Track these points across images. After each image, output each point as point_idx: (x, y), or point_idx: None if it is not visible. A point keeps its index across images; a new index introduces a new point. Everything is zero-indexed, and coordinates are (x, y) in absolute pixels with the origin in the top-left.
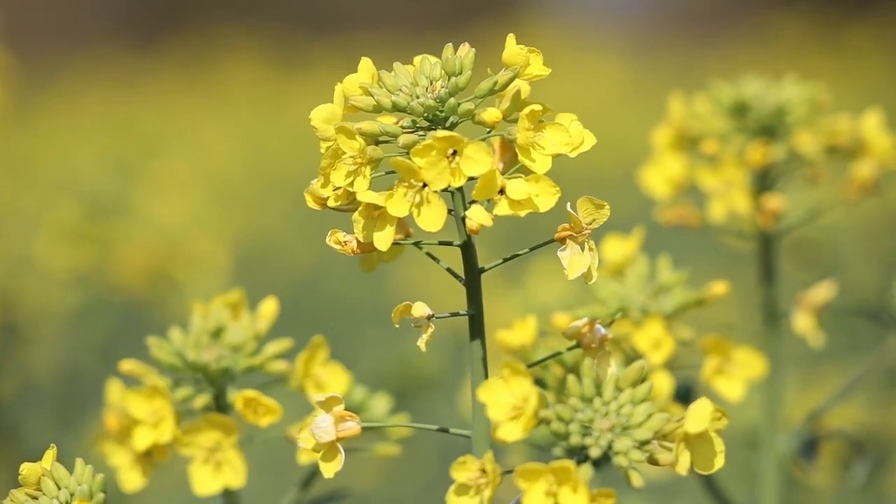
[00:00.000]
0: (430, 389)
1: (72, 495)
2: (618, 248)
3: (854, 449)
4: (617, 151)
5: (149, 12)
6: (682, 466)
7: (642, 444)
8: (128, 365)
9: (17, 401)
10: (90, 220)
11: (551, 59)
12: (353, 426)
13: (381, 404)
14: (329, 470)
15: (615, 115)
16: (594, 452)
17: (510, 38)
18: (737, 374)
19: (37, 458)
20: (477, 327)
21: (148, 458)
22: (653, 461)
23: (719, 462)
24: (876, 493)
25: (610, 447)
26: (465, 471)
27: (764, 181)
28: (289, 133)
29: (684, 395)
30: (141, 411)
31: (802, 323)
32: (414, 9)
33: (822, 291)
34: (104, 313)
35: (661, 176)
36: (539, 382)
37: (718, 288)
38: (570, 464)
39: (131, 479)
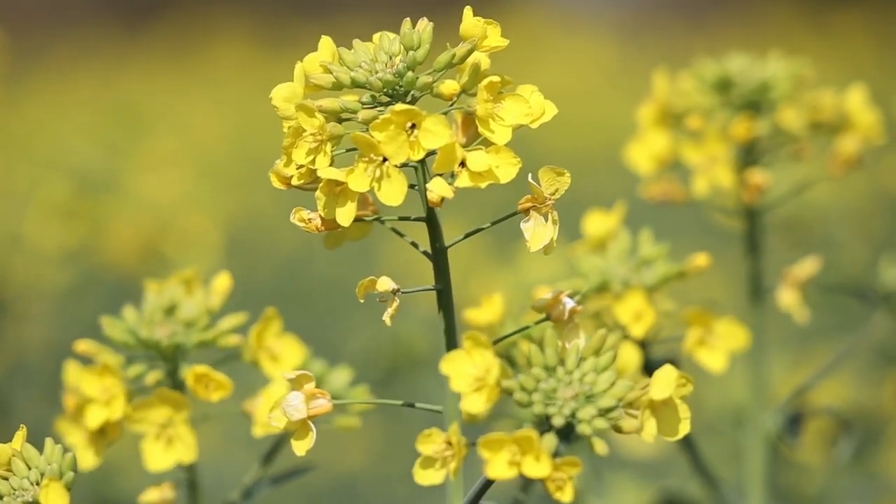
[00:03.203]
0: (420, 368)
1: (42, 475)
2: (600, 222)
3: (840, 426)
4: (605, 133)
5: None
6: (648, 433)
7: (606, 412)
8: (83, 345)
9: (8, 378)
10: (80, 198)
11: (539, 41)
12: (323, 403)
13: (340, 377)
14: (301, 448)
15: (603, 97)
16: (557, 421)
17: (467, 10)
18: (719, 346)
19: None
20: (445, 302)
21: (102, 436)
22: (618, 429)
23: (685, 428)
24: (865, 472)
25: (573, 415)
26: (430, 443)
27: (748, 156)
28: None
29: None
30: (93, 389)
31: (787, 298)
32: None
33: (807, 266)
34: (95, 290)
35: (645, 152)
36: (509, 359)
37: (700, 260)
38: (532, 433)
39: (85, 458)
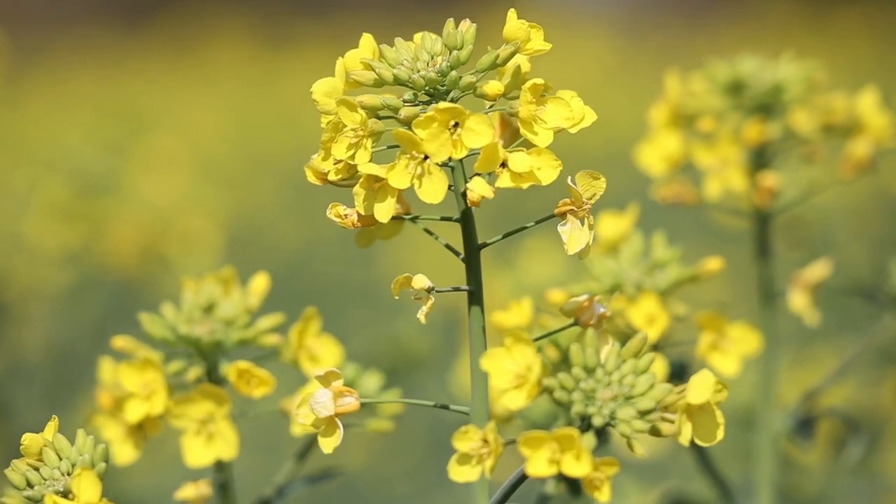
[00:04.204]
0: (420, 369)
1: (73, 465)
2: (613, 224)
3: (849, 427)
4: (604, 131)
5: None
6: (685, 437)
7: (645, 414)
8: (120, 341)
9: (8, 379)
10: (80, 199)
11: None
12: (351, 401)
13: (372, 381)
14: (328, 445)
15: (602, 94)
16: (597, 421)
17: (511, 13)
18: (732, 350)
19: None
20: (476, 303)
21: (140, 431)
22: (655, 432)
23: (720, 434)
24: (866, 472)
25: (612, 416)
26: (467, 440)
27: (760, 159)
28: (277, 112)
29: (679, 372)
30: (133, 384)
31: (798, 301)
32: None
33: (818, 270)
34: (95, 292)
35: (657, 153)
36: None
37: (713, 264)
38: (573, 431)
39: (123, 452)
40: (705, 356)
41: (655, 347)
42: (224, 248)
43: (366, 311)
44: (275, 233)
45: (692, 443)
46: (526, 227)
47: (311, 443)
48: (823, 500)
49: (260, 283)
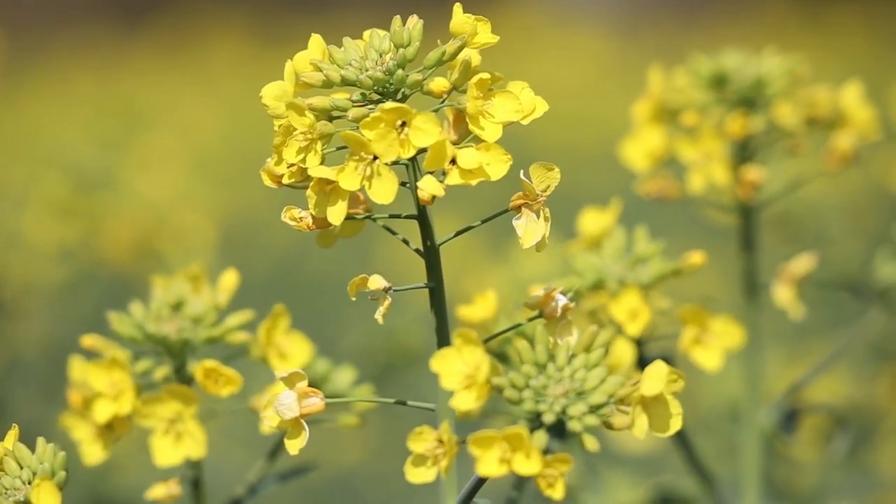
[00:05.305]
0: (416, 364)
1: (34, 474)
2: (595, 219)
3: (836, 422)
4: (600, 129)
5: None
6: (639, 430)
7: (597, 409)
8: (89, 340)
9: (5, 375)
10: (77, 195)
11: (534, 37)
12: (316, 402)
13: (344, 376)
14: (294, 447)
15: (598, 92)
16: (548, 418)
17: (457, 7)
18: (715, 344)
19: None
20: (437, 300)
21: (109, 430)
22: (609, 425)
23: (676, 424)
24: (858, 467)
25: (564, 412)
26: (421, 441)
27: (743, 153)
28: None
29: None
30: (101, 384)
31: (782, 295)
32: None
33: (803, 263)
34: (91, 288)
35: (640, 149)
36: (503, 356)
37: (696, 258)
38: (522, 430)
39: (93, 453)
40: (688, 350)
41: (638, 342)
42: (219, 245)
43: (362, 307)
44: (271, 230)
45: (678, 438)
46: (473, 226)
47: (282, 440)
48: (816, 495)
49: (229, 280)
